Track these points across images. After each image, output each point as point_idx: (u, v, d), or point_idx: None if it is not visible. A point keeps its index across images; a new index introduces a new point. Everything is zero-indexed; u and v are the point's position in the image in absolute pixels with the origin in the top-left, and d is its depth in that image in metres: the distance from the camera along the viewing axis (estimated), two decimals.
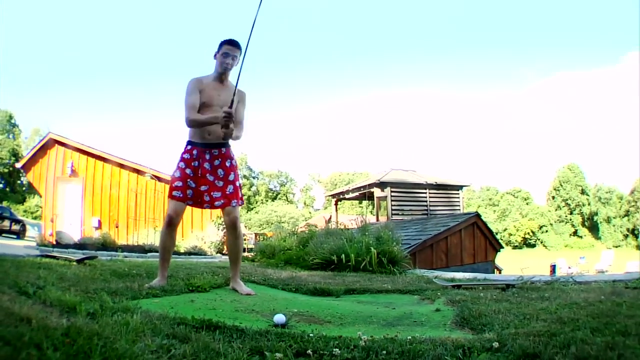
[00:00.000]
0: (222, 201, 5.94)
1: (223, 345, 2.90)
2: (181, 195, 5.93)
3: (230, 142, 6.16)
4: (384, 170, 34.59)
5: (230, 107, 5.64)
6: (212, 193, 5.96)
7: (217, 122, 5.73)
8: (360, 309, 5.53)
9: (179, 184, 5.95)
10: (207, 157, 5.99)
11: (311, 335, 3.33)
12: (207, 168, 5.96)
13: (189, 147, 6.07)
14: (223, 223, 6.13)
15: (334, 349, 2.95)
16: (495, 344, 3.05)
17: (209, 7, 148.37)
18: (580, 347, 2.87)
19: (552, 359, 2.74)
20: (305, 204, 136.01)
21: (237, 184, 6.16)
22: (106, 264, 8.23)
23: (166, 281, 6.05)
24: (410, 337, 3.32)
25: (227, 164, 6.07)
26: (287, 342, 3.12)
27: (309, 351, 2.94)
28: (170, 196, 5.97)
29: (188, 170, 5.97)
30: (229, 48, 5.95)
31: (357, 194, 35.38)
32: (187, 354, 2.68)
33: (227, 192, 5.98)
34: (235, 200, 6.05)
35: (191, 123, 5.93)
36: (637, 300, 4.76)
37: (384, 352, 2.94)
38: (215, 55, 6.07)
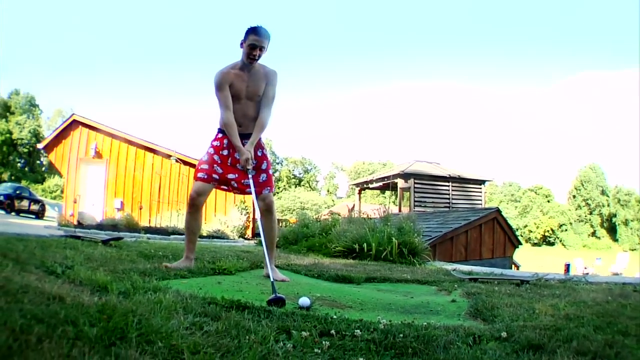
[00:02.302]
0: (254, 189, 5.92)
1: (252, 324, 3.04)
2: (206, 176, 5.98)
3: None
4: (408, 162, 34.52)
5: (250, 162, 5.80)
6: (242, 181, 6.00)
7: (238, 151, 5.86)
8: (380, 296, 5.66)
9: (205, 167, 6.01)
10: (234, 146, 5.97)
11: (334, 317, 3.49)
12: (237, 158, 5.95)
13: (219, 135, 6.13)
14: (247, 207, 6.07)
15: (356, 330, 3.10)
16: (504, 334, 3.20)
17: None
18: (581, 342, 3.00)
19: (555, 351, 2.85)
20: (328, 191, 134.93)
21: (269, 172, 6.20)
22: (132, 245, 8.39)
23: (192, 263, 6.14)
24: (425, 324, 3.48)
25: (259, 154, 6.11)
26: (312, 322, 3.28)
27: (332, 331, 3.09)
28: (196, 177, 6.03)
29: (216, 157, 6.02)
30: (256, 39, 5.76)
31: (380, 184, 35.38)
32: (219, 330, 2.79)
33: (260, 181, 6.02)
34: (269, 188, 6.11)
35: (223, 126, 6.00)
36: None
37: (401, 335, 3.08)
38: (241, 43, 5.87)
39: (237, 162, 5.97)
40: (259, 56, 5.89)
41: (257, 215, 5.83)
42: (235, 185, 6.06)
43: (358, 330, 3.10)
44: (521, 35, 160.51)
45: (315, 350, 2.72)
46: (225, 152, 6.04)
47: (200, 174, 6.01)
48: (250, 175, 5.78)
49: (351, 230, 13.15)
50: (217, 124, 6.20)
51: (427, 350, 2.87)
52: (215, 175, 6.02)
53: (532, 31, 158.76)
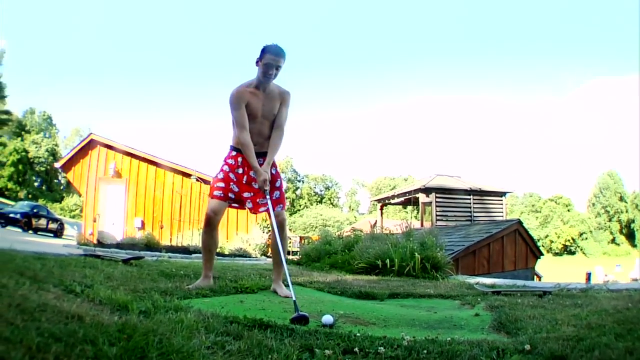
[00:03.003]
0: (266, 207, 5.88)
1: (275, 343, 3.03)
2: (222, 195, 5.93)
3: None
4: (429, 176, 34.56)
5: (268, 183, 5.77)
6: (257, 200, 5.98)
7: (255, 171, 5.83)
8: (404, 312, 5.66)
9: (221, 184, 5.95)
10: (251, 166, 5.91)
11: (357, 335, 3.49)
12: (253, 176, 5.93)
13: (233, 153, 6.07)
14: (268, 226, 6.08)
15: (379, 348, 3.10)
16: (527, 347, 3.19)
17: (259, 7, 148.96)
18: (603, 351, 2.98)
19: None
20: (350, 208, 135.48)
21: (282, 190, 6.18)
22: (152, 264, 8.46)
23: (211, 281, 6.12)
24: (449, 339, 3.48)
25: (273, 171, 6.06)
26: (335, 340, 3.29)
27: (356, 349, 3.09)
28: (211, 195, 5.98)
29: (232, 175, 5.98)
30: (273, 58, 5.70)
31: (402, 199, 35.51)
32: (241, 349, 2.80)
33: (274, 198, 5.96)
34: (281, 205, 6.07)
35: (239, 145, 5.95)
36: None
37: (425, 351, 3.09)
38: (257, 61, 5.81)
39: (252, 181, 5.95)
40: (275, 75, 5.84)
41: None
42: (250, 204, 6.04)
43: (382, 348, 3.11)
44: (534, 45, 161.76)
45: None
46: (240, 171, 6.01)
47: (216, 192, 5.97)
48: (268, 197, 5.75)
49: (373, 246, 13.14)
50: (229, 141, 6.17)
51: None
52: (231, 194, 5.99)
53: (545, 41, 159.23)
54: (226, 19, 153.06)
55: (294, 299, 4.57)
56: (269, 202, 5.74)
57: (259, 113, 5.95)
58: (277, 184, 6.06)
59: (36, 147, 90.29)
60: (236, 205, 6.20)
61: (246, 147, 5.81)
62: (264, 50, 5.76)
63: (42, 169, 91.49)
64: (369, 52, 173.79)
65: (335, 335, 3.43)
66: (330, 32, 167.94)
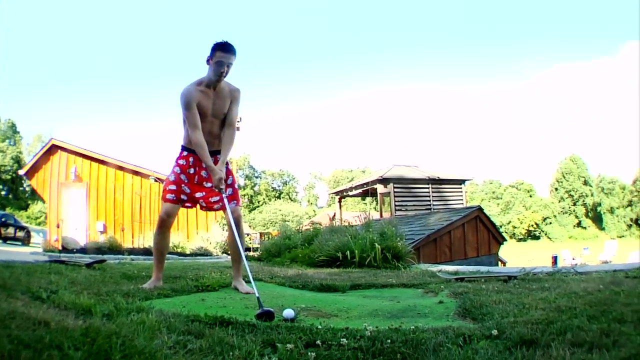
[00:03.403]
0: (221, 204, 5.93)
1: (237, 339, 3.02)
2: (174, 198, 5.96)
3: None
4: (387, 167, 34.40)
5: (223, 182, 5.74)
6: (209, 199, 6.01)
7: (210, 170, 5.81)
8: (366, 303, 5.65)
9: (173, 187, 5.98)
10: (204, 165, 5.94)
11: (319, 327, 3.48)
12: (204, 176, 5.97)
13: (184, 153, 6.07)
14: (226, 223, 6.06)
15: (342, 339, 3.07)
16: (495, 332, 3.19)
17: (207, 7, 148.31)
18: (576, 334, 2.98)
19: (549, 345, 2.82)
20: (309, 202, 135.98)
21: (235, 186, 6.14)
22: (115, 267, 8.36)
23: (161, 282, 6.13)
24: (413, 327, 3.47)
25: (224, 170, 5.99)
26: (297, 334, 3.25)
27: (318, 342, 3.06)
28: (164, 199, 6.00)
29: (183, 176, 6.00)
30: (223, 56, 5.71)
31: (360, 190, 35.39)
32: (203, 348, 2.79)
33: (227, 194, 5.89)
34: (235, 201, 6.04)
35: (191, 144, 5.91)
36: (635, 288, 4.82)
37: (389, 341, 3.05)
38: (208, 60, 5.81)
39: (204, 180, 5.99)
40: (227, 73, 5.83)
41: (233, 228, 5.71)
42: (204, 203, 6.06)
43: (344, 339, 3.10)
44: (493, 33, 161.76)
45: None
46: (192, 171, 6.01)
47: (169, 195, 5.98)
48: (224, 195, 5.74)
49: (333, 239, 13.22)
50: (181, 141, 6.15)
51: (416, 355, 2.88)
52: (183, 196, 6.01)
53: (504, 28, 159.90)
54: (177, 15, 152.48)
55: (257, 295, 4.56)
56: (225, 200, 5.73)
57: (209, 112, 5.96)
58: (229, 181, 6.01)
59: (2, 155, 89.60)
60: (189, 205, 6.22)
61: (200, 146, 5.80)
62: (215, 48, 5.76)
63: (8, 177, 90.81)
64: (322, 45, 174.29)
65: (297, 329, 3.43)
66: (283, 25, 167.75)
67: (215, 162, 5.88)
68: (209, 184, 5.94)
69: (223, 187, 5.73)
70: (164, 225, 6.08)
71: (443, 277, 8.18)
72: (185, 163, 6.02)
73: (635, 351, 2.63)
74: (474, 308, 4.48)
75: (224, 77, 5.84)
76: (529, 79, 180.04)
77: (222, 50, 5.72)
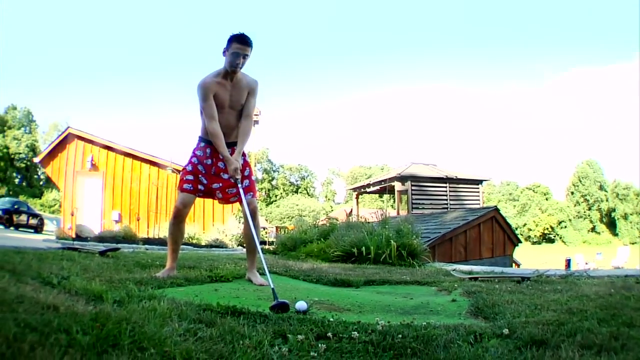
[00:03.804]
0: (237, 196, 5.93)
1: (247, 329, 3.02)
2: (192, 188, 5.95)
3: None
4: (405, 164, 34.45)
5: (239, 172, 5.79)
6: (226, 190, 5.99)
7: (226, 161, 5.84)
8: (379, 298, 5.62)
9: (190, 177, 5.97)
10: (220, 155, 5.97)
11: (331, 320, 3.48)
12: (221, 167, 5.95)
13: (202, 144, 6.08)
14: (242, 215, 6.05)
15: (353, 332, 3.07)
16: (506, 331, 3.18)
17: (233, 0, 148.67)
18: (585, 336, 2.98)
19: (558, 346, 2.82)
20: (326, 197, 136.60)
21: (252, 178, 6.14)
22: (129, 255, 8.44)
23: (175, 271, 6.11)
24: (425, 323, 3.46)
25: (241, 161, 6.02)
26: (308, 326, 3.25)
27: (329, 334, 3.05)
28: (181, 188, 5.99)
29: (200, 167, 5.99)
30: (239, 47, 5.71)
31: (378, 187, 35.38)
32: (214, 336, 2.79)
33: (244, 186, 5.90)
34: (252, 193, 6.02)
35: (208, 136, 5.94)
36: None
37: (400, 336, 3.05)
38: (224, 51, 5.83)
39: (221, 171, 5.98)
40: (243, 64, 5.85)
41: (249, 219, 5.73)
42: (220, 195, 6.05)
43: (355, 332, 3.08)
44: (513, 34, 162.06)
45: (312, 353, 2.70)
46: (209, 162, 6.01)
47: (186, 185, 5.98)
48: (240, 185, 5.76)
49: (349, 234, 13.16)
50: (199, 132, 6.16)
51: (426, 350, 2.84)
52: (200, 186, 6.01)
53: (524, 30, 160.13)
54: (200, 11, 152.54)
55: (272, 286, 4.56)
56: (241, 190, 5.74)
57: (227, 103, 5.98)
58: (246, 173, 6.04)
59: (17, 143, 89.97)
60: (206, 196, 6.21)
61: (216, 137, 5.83)
62: (231, 40, 5.77)
63: (23, 165, 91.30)
64: (344, 42, 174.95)
65: (308, 321, 3.43)
66: (306, 23, 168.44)
67: (232, 153, 5.90)
68: (226, 175, 5.93)
69: (239, 177, 5.76)
70: (180, 215, 6.05)
71: (457, 276, 8.14)
72: (202, 154, 6.02)
73: None
74: (486, 307, 4.47)
75: (240, 68, 5.85)
76: (547, 82, 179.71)
77: (238, 42, 5.72)
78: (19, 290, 3.13)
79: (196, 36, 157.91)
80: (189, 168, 6.02)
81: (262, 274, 5.98)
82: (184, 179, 6.00)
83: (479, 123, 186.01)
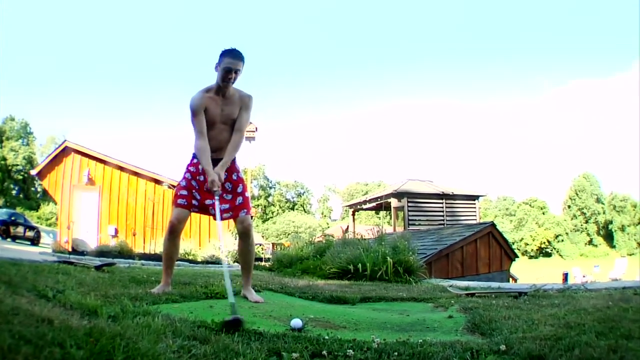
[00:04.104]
0: (230, 213, 5.97)
1: (242, 347, 3.03)
2: (186, 203, 5.95)
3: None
4: (401, 181, 34.62)
5: (217, 184, 5.70)
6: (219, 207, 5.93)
7: (207, 173, 5.80)
8: (375, 315, 5.64)
9: (184, 192, 5.99)
10: (202, 169, 5.94)
11: (326, 338, 3.49)
12: None
13: (195, 160, 6.07)
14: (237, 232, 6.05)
15: (348, 350, 3.08)
16: (503, 347, 3.18)
17: (228, 17, 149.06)
18: (584, 350, 2.98)
19: None
20: (322, 214, 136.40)
21: (246, 195, 6.16)
22: (124, 270, 8.44)
23: (170, 287, 6.14)
24: (421, 341, 3.47)
25: (234, 177, 6.08)
26: (303, 344, 3.27)
27: (324, 352, 3.07)
28: (175, 203, 5.99)
29: (194, 182, 6.01)
30: (231, 62, 5.76)
31: (374, 204, 35.42)
32: (208, 353, 2.80)
33: (237, 204, 5.99)
34: (245, 210, 6.05)
35: (195, 152, 5.99)
36: None
37: (396, 353, 3.06)
38: (216, 66, 5.88)
39: None
40: (235, 79, 5.88)
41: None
42: (213, 211, 5.95)
43: (351, 350, 3.11)
44: (509, 47, 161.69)
45: None
46: (201, 178, 5.99)
47: (180, 200, 5.99)
48: (216, 197, 5.70)
49: (345, 251, 13.23)
50: (192, 148, 6.15)
51: None
52: (194, 202, 6.01)
53: (520, 43, 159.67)
54: (197, 23, 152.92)
55: (232, 301, 4.45)
56: (217, 203, 5.69)
57: (218, 119, 5.99)
58: (239, 190, 6.08)
59: (14, 155, 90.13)
60: (200, 212, 6.19)
61: (201, 152, 5.86)
62: (222, 55, 5.83)
63: (20, 176, 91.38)
64: (339, 58, 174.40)
65: (303, 339, 3.45)
66: (300, 38, 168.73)
67: (226, 170, 5.94)
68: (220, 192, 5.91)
69: (216, 189, 5.71)
70: (175, 231, 6.07)
71: (454, 292, 8.16)
72: (195, 170, 6.04)
73: None
74: (483, 323, 4.48)
75: (232, 83, 5.90)
76: (544, 95, 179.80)
77: (229, 56, 5.79)
78: (14, 302, 3.12)
79: (194, 49, 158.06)
80: (183, 183, 6.05)
81: (258, 291, 6.08)
82: (178, 194, 6.03)
83: (475, 138, 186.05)
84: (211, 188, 5.70)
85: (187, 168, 6.12)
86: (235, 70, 5.78)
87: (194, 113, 5.90)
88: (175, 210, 5.99)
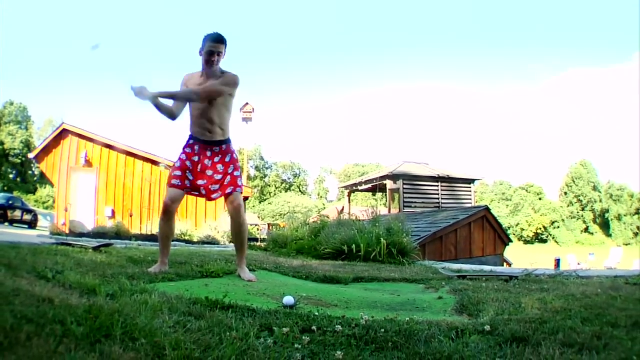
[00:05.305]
0: (219, 193, 6.08)
1: (235, 322, 3.11)
2: (179, 183, 6.03)
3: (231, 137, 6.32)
4: (397, 163, 34.57)
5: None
6: (209, 186, 6.07)
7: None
8: (366, 295, 5.74)
9: (178, 172, 6.06)
10: (209, 154, 6.12)
11: (316, 314, 3.57)
12: (207, 164, 6.06)
13: (191, 141, 6.20)
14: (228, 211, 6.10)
15: (337, 326, 3.15)
16: (487, 327, 3.23)
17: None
18: (567, 334, 3.02)
19: (539, 343, 2.87)
20: (318, 195, 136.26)
21: (235, 174, 6.21)
22: (122, 251, 8.42)
23: (167, 267, 6.22)
24: (407, 319, 3.54)
25: (227, 159, 6.17)
26: (294, 319, 3.34)
27: (314, 327, 3.14)
28: (169, 184, 6.08)
29: (188, 163, 6.08)
30: (212, 45, 5.93)
31: (369, 185, 35.42)
32: (202, 328, 2.88)
33: (225, 183, 6.08)
34: (232, 187, 6.11)
35: (194, 131, 6.19)
36: (632, 294, 4.83)
37: (382, 330, 3.12)
38: (200, 51, 6.04)
39: (206, 169, 6.08)
40: (217, 61, 6.03)
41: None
42: (204, 191, 6.11)
43: (339, 326, 3.16)
44: (508, 34, 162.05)
45: (296, 345, 2.77)
46: (196, 158, 6.11)
47: (174, 181, 6.07)
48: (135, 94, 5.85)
49: (340, 232, 13.25)
50: (188, 130, 6.28)
51: (407, 344, 2.91)
52: (187, 182, 6.09)
53: (519, 29, 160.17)
54: (194, 8, 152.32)
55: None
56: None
57: None
58: (230, 169, 6.15)
59: (12, 139, 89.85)
60: (195, 193, 6.28)
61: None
62: (204, 39, 5.99)
63: (17, 160, 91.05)
64: (338, 40, 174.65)
65: (294, 315, 3.52)
66: (300, 19, 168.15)
67: (214, 155, 6.16)
68: (211, 172, 6.06)
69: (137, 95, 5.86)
70: (168, 211, 6.14)
71: (445, 274, 8.26)
72: (190, 151, 6.13)
73: (625, 355, 2.67)
74: (471, 304, 4.55)
75: (216, 65, 6.04)
76: (543, 82, 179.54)
77: (211, 40, 5.96)
78: (14, 283, 3.25)
79: (190, 31, 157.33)
80: (177, 164, 6.14)
81: (252, 270, 6.15)
82: (172, 174, 6.12)
83: (472, 122, 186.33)
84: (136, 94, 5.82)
85: (182, 149, 6.19)
86: (217, 52, 5.96)
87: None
88: (169, 191, 6.09)
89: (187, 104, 6.16)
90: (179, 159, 6.16)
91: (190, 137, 6.21)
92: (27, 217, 34.06)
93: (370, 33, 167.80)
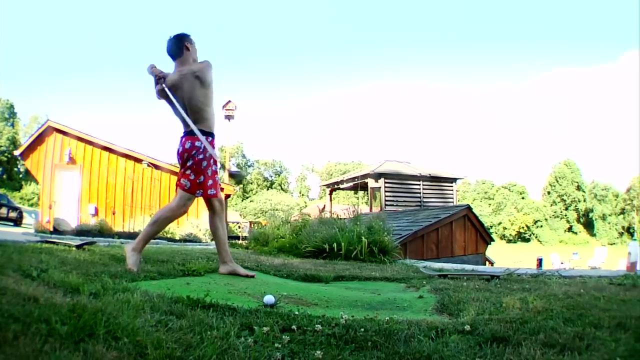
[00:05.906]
0: (212, 190, 6.17)
1: (216, 321, 3.17)
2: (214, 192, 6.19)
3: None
4: (379, 161, 34.57)
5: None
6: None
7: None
8: (347, 294, 5.75)
9: (211, 182, 6.08)
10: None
11: (297, 313, 3.63)
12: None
13: (210, 139, 6.04)
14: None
15: (317, 325, 3.20)
16: (467, 327, 3.27)
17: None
18: (549, 335, 3.06)
19: (520, 344, 2.90)
20: (300, 193, 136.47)
21: (189, 163, 6.09)
22: (104, 249, 8.43)
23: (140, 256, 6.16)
24: (387, 318, 3.58)
25: (187, 146, 6.02)
26: (274, 319, 3.40)
27: (294, 327, 3.19)
28: (217, 195, 6.32)
29: (214, 167, 6.08)
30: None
31: (351, 184, 35.22)
32: (183, 327, 2.94)
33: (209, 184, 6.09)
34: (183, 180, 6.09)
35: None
36: (616, 295, 4.86)
37: (362, 329, 3.16)
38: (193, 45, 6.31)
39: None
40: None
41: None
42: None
43: (319, 326, 3.21)
44: (493, 33, 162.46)
45: (276, 344, 2.82)
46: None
47: (211, 191, 6.12)
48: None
49: (321, 230, 13.28)
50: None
51: (387, 344, 2.95)
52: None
53: (504, 29, 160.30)
54: (177, 6, 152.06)
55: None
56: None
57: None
58: (189, 162, 5.98)
59: None
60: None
61: None
62: (189, 36, 6.29)
63: (4, 158, 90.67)
64: (321, 38, 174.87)
65: (275, 314, 3.58)
66: (283, 17, 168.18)
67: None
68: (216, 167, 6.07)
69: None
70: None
71: (427, 273, 8.29)
72: (210, 155, 6.04)
73: (608, 357, 2.69)
74: (452, 304, 4.60)
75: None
76: (528, 81, 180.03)
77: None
78: (1, 282, 3.29)
79: (179, 28, 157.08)
80: (209, 172, 6.09)
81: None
82: (208, 184, 6.09)
83: (455, 121, 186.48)
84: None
85: (203, 154, 5.98)
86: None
87: None
88: (192, 200, 6.23)
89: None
90: (209, 166, 6.07)
91: (212, 135, 6.12)
92: (12, 214, 34.09)
93: (353, 31, 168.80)
